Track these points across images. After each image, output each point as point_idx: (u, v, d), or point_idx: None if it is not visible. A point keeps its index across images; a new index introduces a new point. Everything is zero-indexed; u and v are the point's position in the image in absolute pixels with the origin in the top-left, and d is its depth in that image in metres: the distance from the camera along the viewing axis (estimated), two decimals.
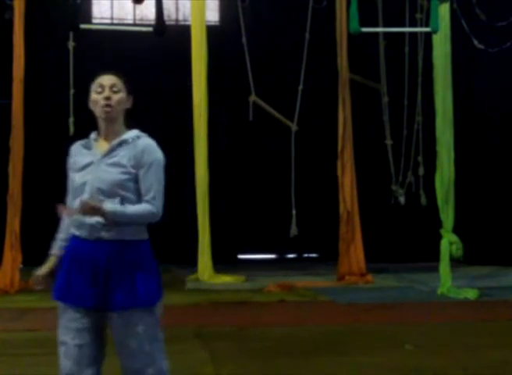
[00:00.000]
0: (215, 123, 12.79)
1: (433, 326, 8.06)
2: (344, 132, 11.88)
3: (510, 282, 11.60)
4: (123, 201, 3.54)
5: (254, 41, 13.48)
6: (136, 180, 3.58)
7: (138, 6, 14.53)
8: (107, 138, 3.66)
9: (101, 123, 3.68)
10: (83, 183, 3.56)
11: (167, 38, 11.82)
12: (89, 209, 3.46)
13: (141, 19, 15.82)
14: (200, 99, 11.70)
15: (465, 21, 12.69)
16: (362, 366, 6.09)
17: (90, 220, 3.53)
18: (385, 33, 13.82)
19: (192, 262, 11.87)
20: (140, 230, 3.64)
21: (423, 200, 13.81)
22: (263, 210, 15.62)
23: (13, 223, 10.79)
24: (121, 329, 3.53)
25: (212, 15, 15.63)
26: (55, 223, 3.84)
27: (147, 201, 3.58)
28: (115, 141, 3.63)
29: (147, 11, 15.10)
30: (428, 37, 11.72)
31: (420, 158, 13.89)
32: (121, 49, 14.20)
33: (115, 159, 3.58)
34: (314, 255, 16.24)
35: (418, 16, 13.46)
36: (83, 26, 11.26)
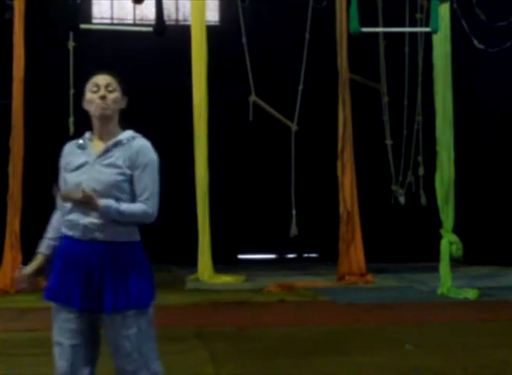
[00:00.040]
0: (215, 123, 12.79)
1: (433, 326, 8.06)
2: (344, 132, 11.88)
3: (510, 282, 11.60)
4: (118, 202, 3.54)
5: (254, 41, 13.47)
6: (131, 181, 3.57)
7: (138, 6, 14.53)
8: (102, 138, 3.65)
9: (96, 123, 3.66)
10: (78, 184, 3.53)
11: (167, 38, 11.82)
12: (85, 198, 3.43)
13: (141, 19, 15.82)
14: (200, 99, 11.70)
15: (465, 21, 12.69)
16: (362, 366, 6.09)
17: (83, 221, 3.52)
18: (385, 33, 13.82)
19: (192, 262, 11.87)
20: (133, 231, 3.62)
21: (423, 200, 13.81)
22: (263, 210, 15.62)
23: (13, 223, 10.79)
24: (115, 331, 3.52)
25: (212, 15, 15.63)
26: None
27: (141, 202, 3.57)
28: (111, 142, 3.61)
29: (147, 11, 15.10)
30: (428, 37, 11.72)
31: (420, 158, 13.89)
32: (121, 49, 14.20)
33: (110, 160, 3.57)
34: (314, 255, 16.24)
35: (418, 16, 13.46)
36: (83, 26, 11.26)
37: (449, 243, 10.38)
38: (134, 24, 15.61)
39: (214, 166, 12.37)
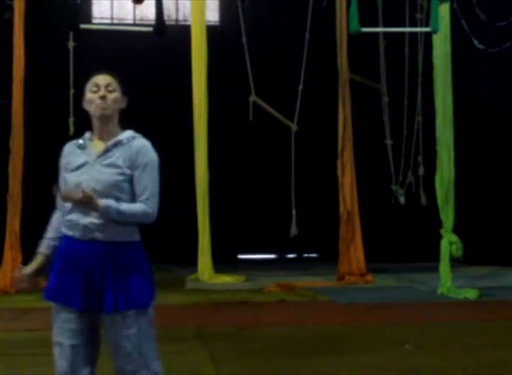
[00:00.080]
0: (215, 123, 12.79)
1: (433, 326, 8.06)
2: (344, 132, 11.88)
3: (510, 282, 11.60)
4: (118, 202, 3.53)
5: (254, 41, 13.47)
6: (131, 181, 3.57)
7: (138, 6, 14.53)
8: (102, 138, 3.65)
9: (96, 123, 3.66)
10: (78, 184, 3.53)
11: (167, 38, 11.82)
12: (85, 198, 3.43)
13: (141, 19, 15.82)
14: (200, 99, 11.70)
15: (465, 21, 12.68)
16: (362, 366, 6.09)
17: (83, 221, 3.52)
18: (385, 33, 13.82)
19: (192, 262, 11.87)
20: (133, 231, 3.62)
21: (423, 200, 13.81)
22: (263, 210, 15.62)
23: (13, 223, 10.79)
24: (115, 331, 3.52)
25: (212, 15, 15.63)
26: None
27: (141, 202, 3.57)
28: (111, 142, 3.61)
29: (147, 11, 15.11)
30: (428, 37, 11.72)
31: (420, 158, 13.89)
32: (121, 49, 14.20)
33: (110, 160, 3.57)
34: (314, 255, 16.24)
35: (418, 16, 13.46)
36: (83, 26, 11.26)
37: (449, 243, 10.38)
38: (134, 24, 15.61)
39: (214, 166, 12.37)
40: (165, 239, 14.97)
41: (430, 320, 8.43)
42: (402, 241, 15.26)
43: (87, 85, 3.68)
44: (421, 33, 13.23)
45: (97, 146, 3.64)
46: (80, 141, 3.68)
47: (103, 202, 3.46)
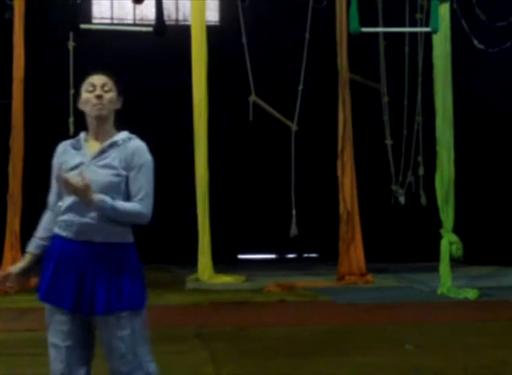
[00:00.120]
0: (215, 123, 12.80)
1: (433, 326, 8.05)
2: (344, 132, 11.88)
3: (510, 282, 11.61)
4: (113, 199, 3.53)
5: (254, 41, 13.48)
6: (126, 182, 3.56)
7: (138, 6, 14.54)
8: (97, 139, 3.63)
9: (92, 123, 3.65)
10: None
11: (167, 38, 11.82)
12: (84, 186, 3.42)
13: (141, 19, 15.83)
14: (200, 99, 11.70)
15: (465, 21, 12.69)
16: (362, 366, 6.09)
17: (78, 222, 3.51)
18: (385, 33, 13.83)
19: (192, 262, 11.87)
20: (127, 232, 3.60)
21: (423, 200, 13.81)
22: (263, 210, 15.63)
23: (13, 223, 10.80)
24: (109, 332, 3.51)
25: (212, 15, 15.64)
26: None
27: (136, 202, 3.56)
28: (106, 143, 3.60)
29: (147, 11, 15.12)
30: (428, 37, 11.72)
31: (420, 158, 13.89)
32: (121, 49, 14.21)
33: (106, 161, 3.55)
34: (314, 255, 16.25)
35: (418, 16, 13.46)
36: (83, 26, 11.26)
37: (449, 243, 10.38)
38: (134, 24, 15.62)
39: (214, 166, 12.37)
40: (165, 239, 14.99)
41: (430, 320, 8.43)
42: (402, 241, 15.27)
43: (82, 85, 3.67)
44: (421, 33, 13.24)
45: (93, 147, 3.62)
46: (75, 141, 3.67)
47: (99, 196, 3.45)
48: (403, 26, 13.44)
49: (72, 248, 3.52)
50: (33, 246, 3.69)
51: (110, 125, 3.66)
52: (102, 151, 3.58)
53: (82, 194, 3.43)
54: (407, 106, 14.21)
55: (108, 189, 3.50)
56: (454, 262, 10.63)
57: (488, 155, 14.88)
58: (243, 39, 12.99)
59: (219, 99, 14.49)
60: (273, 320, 8.61)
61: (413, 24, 13.42)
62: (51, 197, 3.72)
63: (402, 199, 13.85)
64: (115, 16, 15.89)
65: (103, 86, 3.62)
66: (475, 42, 13.11)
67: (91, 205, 3.45)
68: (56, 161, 3.69)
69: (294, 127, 13.03)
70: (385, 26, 13.32)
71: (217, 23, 15.92)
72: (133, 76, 14.47)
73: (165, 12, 12.81)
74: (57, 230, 3.58)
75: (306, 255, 16.31)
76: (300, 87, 12.98)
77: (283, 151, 13.51)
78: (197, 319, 8.47)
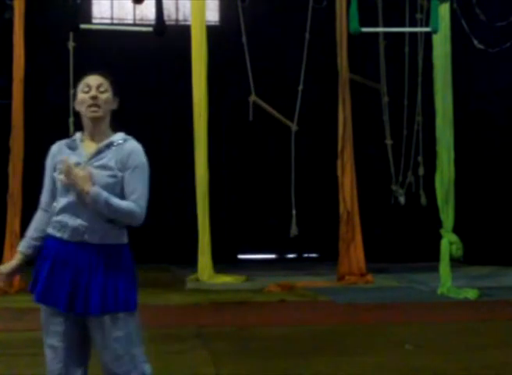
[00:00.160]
0: (215, 123, 12.80)
1: (433, 326, 8.05)
2: (344, 132, 11.87)
3: (510, 282, 11.61)
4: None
5: (254, 41, 13.47)
6: (122, 183, 3.54)
7: (138, 6, 14.54)
8: (93, 139, 3.62)
9: (88, 124, 3.63)
10: (70, 184, 3.51)
11: (167, 38, 11.82)
12: (84, 174, 3.43)
13: (141, 19, 15.83)
14: (200, 99, 11.70)
15: (465, 21, 12.68)
16: (362, 366, 6.09)
17: (72, 222, 3.50)
18: (385, 33, 13.83)
19: (192, 262, 11.87)
20: (121, 233, 3.59)
21: (423, 200, 13.81)
22: (263, 210, 15.63)
23: (13, 223, 10.79)
24: (104, 333, 3.50)
25: (212, 15, 15.63)
26: None
27: (130, 201, 3.54)
28: (103, 143, 3.59)
29: (147, 11, 15.11)
30: (428, 37, 11.72)
31: (420, 158, 13.90)
32: (121, 49, 14.22)
33: (102, 162, 3.55)
34: (314, 255, 16.24)
35: (418, 16, 13.47)
36: (83, 26, 11.26)
37: (449, 243, 10.38)
38: (134, 24, 15.62)
39: (214, 165, 12.37)
40: (165, 239, 14.98)
41: (430, 320, 8.43)
42: (402, 241, 15.26)
43: (78, 85, 3.66)
44: (421, 33, 13.24)
45: (89, 147, 3.61)
46: (70, 141, 3.66)
47: (96, 188, 3.44)
48: (403, 26, 13.44)
49: (67, 249, 3.51)
50: (24, 246, 3.69)
51: (106, 125, 3.65)
52: (98, 152, 3.58)
53: (81, 182, 3.42)
54: (407, 106, 14.21)
55: (104, 190, 3.49)
56: (454, 262, 10.63)
57: (489, 155, 14.88)
58: (243, 39, 12.99)
59: (219, 99, 14.49)
60: (273, 320, 8.61)
61: (413, 24, 13.42)
62: (44, 197, 3.70)
63: (402, 199, 13.85)
64: (115, 16, 15.89)
65: (98, 87, 3.61)
66: (475, 42, 13.11)
67: (87, 196, 3.43)
68: (50, 161, 3.68)
69: (294, 127, 13.03)
70: (385, 26, 13.32)
71: (217, 23, 15.92)
72: (133, 76, 14.49)
73: (165, 12, 12.80)
74: (51, 231, 3.57)
75: (306, 255, 16.31)
76: (300, 87, 12.98)
77: (283, 151, 13.51)
78: (197, 319, 8.47)
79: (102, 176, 3.51)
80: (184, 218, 13.91)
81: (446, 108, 10.61)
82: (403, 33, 13.87)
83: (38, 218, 3.69)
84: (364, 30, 10.95)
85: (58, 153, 3.66)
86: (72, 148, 3.63)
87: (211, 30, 12.35)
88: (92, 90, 3.60)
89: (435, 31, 10.59)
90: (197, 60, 11.73)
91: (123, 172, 3.55)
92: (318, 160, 15.01)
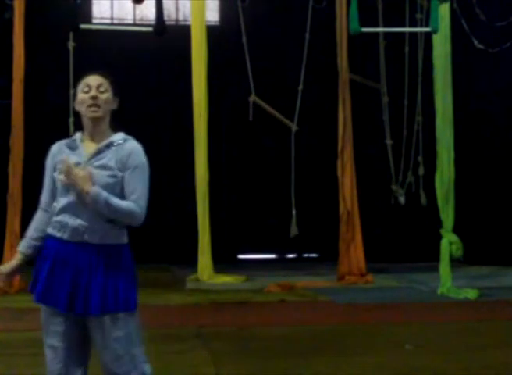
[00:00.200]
0: (215, 123, 12.80)
1: (433, 326, 8.05)
2: (344, 132, 11.87)
3: (510, 282, 11.61)
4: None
5: (254, 41, 13.47)
6: (122, 183, 3.54)
7: (138, 6, 14.53)
8: (93, 139, 3.62)
9: (87, 124, 3.63)
10: (70, 184, 3.51)
11: (167, 38, 11.83)
12: (82, 174, 3.43)
13: (141, 19, 15.83)
14: (200, 99, 11.70)
15: (465, 21, 12.68)
16: (362, 366, 6.09)
17: (73, 222, 3.50)
18: (385, 33, 13.83)
19: (192, 262, 11.87)
20: (121, 233, 3.59)
21: (423, 200, 13.81)
22: (263, 210, 15.63)
23: (13, 223, 10.79)
24: (104, 333, 3.50)
25: (212, 15, 15.63)
26: None
27: (130, 201, 3.54)
28: (103, 143, 3.59)
29: (147, 11, 15.11)
30: (428, 37, 11.72)
31: (420, 158, 13.89)
32: (121, 49, 14.22)
33: (102, 162, 3.54)
34: (314, 255, 16.24)
35: (418, 16, 13.46)
36: (83, 26, 11.26)
37: (449, 243, 10.38)
38: (134, 24, 15.62)
39: (214, 166, 12.37)
40: (165, 239, 14.98)
41: (430, 320, 8.43)
42: (402, 241, 15.26)
43: (78, 85, 3.66)
44: (421, 33, 13.23)
45: (89, 147, 3.61)
46: (70, 141, 3.66)
47: (96, 188, 3.44)
48: (403, 26, 13.44)
49: (67, 249, 3.51)
50: (24, 246, 3.69)
51: (106, 125, 3.65)
52: (98, 152, 3.58)
53: (81, 182, 3.42)
54: (407, 106, 14.21)
55: (104, 190, 3.49)
56: (454, 262, 10.63)
57: (489, 155, 14.88)
58: (243, 39, 12.98)
59: (219, 99, 14.49)
60: (273, 320, 8.61)
61: (413, 24, 13.41)
62: (44, 197, 3.70)
63: (402, 199, 13.85)
64: (115, 16, 15.89)
65: (98, 87, 3.61)
66: (475, 42, 13.10)
67: (87, 196, 3.43)
68: (50, 161, 3.68)
69: (294, 127, 13.03)
70: (385, 26, 13.32)
71: (217, 23, 15.92)
72: (133, 76, 14.49)
73: (165, 12, 12.81)
74: (51, 231, 3.57)
75: (306, 255, 16.30)
76: (300, 87, 12.98)
77: (283, 151, 13.51)
78: (197, 319, 8.47)
79: (102, 176, 3.51)
80: (184, 218, 13.91)
81: (446, 108, 10.61)
82: (403, 33, 13.87)
83: (38, 218, 3.69)
84: (364, 30, 10.95)
85: (58, 153, 3.65)
86: (72, 148, 3.63)
87: (211, 30, 12.35)
88: (92, 90, 3.60)
89: (435, 31, 10.59)
90: (197, 60, 11.74)
91: (123, 172, 3.55)
92: (318, 160, 15.01)
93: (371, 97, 14.57)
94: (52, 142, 3.79)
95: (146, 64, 14.95)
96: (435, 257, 10.63)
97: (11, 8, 11.50)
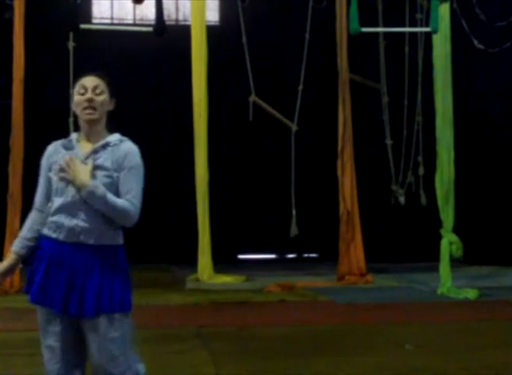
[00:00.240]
0: (215, 123, 12.80)
1: (433, 326, 8.05)
2: (344, 132, 11.87)
3: (510, 282, 11.61)
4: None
5: (254, 41, 13.47)
6: (117, 183, 3.54)
7: (138, 6, 14.54)
8: (89, 140, 3.62)
9: (83, 125, 3.64)
10: (66, 184, 3.51)
11: (167, 38, 11.82)
12: (83, 166, 3.43)
13: (141, 19, 15.83)
14: (200, 99, 11.70)
15: (465, 21, 12.67)
16: (362, 366, 6.09)
17: (68, 223, 3.50)
18: (385, 33, 13.83)
19: (192, 262, 11.87)
20: (117, 234, 3.59)
21: (423, 200, 13.80)
22: (263, 210, 15.63)
23: (13, 223, 10.78)
24: (99, 334, 3.49)
25: (212, 15, 15.63)
26: None
27: (125, 200, 3.54)
28: (99, 144, 3.59)
29: (147, 11, 15.12)
30: (428, 37, 11.72)
31: (420, 158, 13.88)
32: (121, 49, 14.22)
33: (98, 162, 3.54)
34: (314, 255, 16.24)
35: (418, 16, 13.46)
36: (83, 26, 11.26)
37: (449, 243, 10.38)
38: (134, 24, 15.62)
39: (214, 166, 12.37)
40: (165, 239, 14.98)
41: (430, 320, 8.43)
42: (402, 241, 15.27)
43: (75, 86, 3.66)
44: (421, 33, 13.23)
45: (85, 147, 3.61)
46: (66, 142, 3.66)
47: (94, 181, 3.45)
48: (403, 26, 13.43)
49: (63, 250, 3.51)
50: (18, 246, 3.66)
51: (102, 126, 3.65)
52: (94, 152, 3.58)
53: (82, 174, 3.42)
54: (407, 106, 14.20)
55: None
56: (454, 262, 10.63)
57: (489, 155, 14.88)
58: (243, 39, 12.97)
59: (219, 99, 14.49)
60: (273, 320, 8.61)
61: (413, 24, 13.41)
62: (38, 197, 3.69)
63: (402, 199, 13.85)
64: (115, 16, 15.89)
65: (95, 88, 3.61)
66: (475, 42, 13.10)
67: (84, 188, 3.43)
68: (46, 161, 3.68)
69: (294, 127, 13.03)
70: (385, 26, 13.32)
71: (217, 23, 15.92)
72: (133, 76, 14.50)
73: (165, 12, 12.81)
74: (46, 232, 3.56)
75: (306, 255, 16.30)
76: (300, 87, 12.97)
77: (283, 151, 13.51)
78: (197, 319, 8.47)
79: (98, 176, 3.51)
80: (184, 218, 13.91)
81: (446, 108, 10.61)
82: (403, 33, 13.86)
83: (32, 218, 3.68)
84: (364, 30, 10.95)
85: (54, 153, 3.66)
86: (69, 148, 3.63)
87: (211, 30, 12.35)
88: (88, 92, 3.60)
89: (435, 31, 10.59)
90: (197, 60, 11.74)
91: (119, 172, 3.55)
92: (318, 160, 15.01)
93: (371, 97, 14.57)
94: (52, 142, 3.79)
95: (146, 64, 14.95)
96: (435, 257, 10.63)
97: (11, 8, 11.49)
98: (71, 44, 12.06)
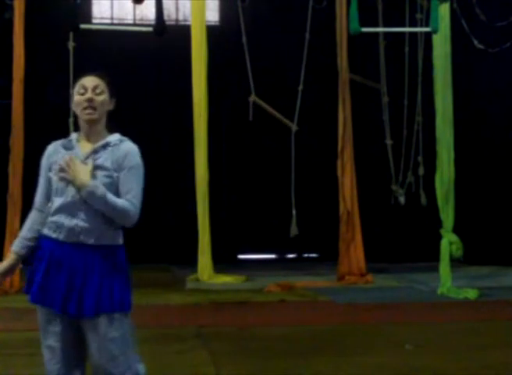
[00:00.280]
0: (215, 123, 12.80)
1: (433, 326, 8.05)
2: (344, 132, 11.87)
3: (510, 282, 11.61)
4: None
5: (254, 41, 13.47)
6: (117, 183, 3.54)
7: (138, 6, 14.54)
8: (89, 140, 3.63)
9: (83, 125, 3.64)
10: (66, 184, 3.52)
11: (167, 38, 11.82)
12: (84, 166, 3.43)
13: (141, 19, 15.83)
14: (200, 99, 11.71)
15: (465, 21, 12.67)
16: (362, 366, 6.09)
17: (68, 223, 3.50)
18: (385, 33, 13.83)
19: (192, 262, 11.87)
20: (117, 234, 3.59)
21: (423, 200, 13.80)
22: (263, 210, 15.63)
23: (13, 223, 10.78)
24: (99, 334, 3.49)
25: (212, 15, 15.63)
26: None
27: (125, 200, 3.54)
28: (99, 144, 3.59)
29: (147, 11, 15.11)
30: (428, 37, 11.72)
31: (420, 158, 13.88)
32: (121, 49, 14.21)
33: (98, 162, 3.54)
34: (314, 255, 16.24)
35: (418, 16, 13.45)
36: (83, 26, 11.26)
37: (449, 243, 10.38)
38: (134, 24, 15.62)
39: (214, 166, 12.37)
40: (165, 239, 14.98)
41: (430, 320, 8.43)
42: (402, 241, 15.26)
43: (75, 86, 3.66)
44: (421, 33, 13.23)
45: (85, 147, 3.61)
46: (66, 142, 3.66)
47: (94, 182, 3.45)
48: (403, 26, 13.43)
49: (63, 250, 3.51)
50: (18, 246, 3.66)
51: (102, 126, 3.65)
52: (94, 152, 3.58)
53: (82, 174, 3.42)
54: (407, 106, 14.20)
55: None
56: (454, 262, 10.63)
57: (489, 155, 14.88)
58: (243, 39, 12.97)
59: (219, 99, 14.49)
60: (273, 320, 8.61)
61: (413, 24, 13.40)
62: (38, 197, 3.69)
63: (402, 199, 13.85)
64: (115, 16, 15.89)
65: (94, 88, 3.61)
66: (475, 42, 13.10)
67: (85, 187, 3.43)
68: (46, 161, 3.68)
69: (294, 127, 13.03)
70: (385, 26, 13.32)
71: (217, 23, 15.92)
72: (133, 76, 14.49)
73: (165, 12, 12.80)
74: (46, 232, 3.56)
75: (306, 255, 16.30)
76: (300, 87, 12.97)
77: (283, 151, 13.50)
78: (197, 319, 8.47)
79: (98, 176, 3.51)
80: (184, 218, 13.90)
81: (446, 108, 10.61)
82: (403, 33, 13.86)
83: (32, 218, 3.68)
84: (364, 30, 10.94)
85: (54, 153, 3.66)
86: (68, 148, 3.63)
87: (211, 30, 12.36)
88: (88, 92, 3.60)
89: (435, 31, 10.59)
90: (197, 60, 11.74)
91: (119, 172, 3.55)
92: (318, 160, 15.01)
93: (371, 97, 14.57)
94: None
95: (146, 64, 14.95)
96: (435, 257, 10.63)
97: (11, 8, 11.49)
98: (71, 44, 12.06)
